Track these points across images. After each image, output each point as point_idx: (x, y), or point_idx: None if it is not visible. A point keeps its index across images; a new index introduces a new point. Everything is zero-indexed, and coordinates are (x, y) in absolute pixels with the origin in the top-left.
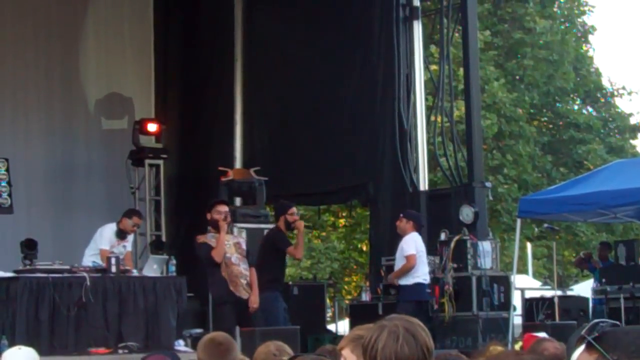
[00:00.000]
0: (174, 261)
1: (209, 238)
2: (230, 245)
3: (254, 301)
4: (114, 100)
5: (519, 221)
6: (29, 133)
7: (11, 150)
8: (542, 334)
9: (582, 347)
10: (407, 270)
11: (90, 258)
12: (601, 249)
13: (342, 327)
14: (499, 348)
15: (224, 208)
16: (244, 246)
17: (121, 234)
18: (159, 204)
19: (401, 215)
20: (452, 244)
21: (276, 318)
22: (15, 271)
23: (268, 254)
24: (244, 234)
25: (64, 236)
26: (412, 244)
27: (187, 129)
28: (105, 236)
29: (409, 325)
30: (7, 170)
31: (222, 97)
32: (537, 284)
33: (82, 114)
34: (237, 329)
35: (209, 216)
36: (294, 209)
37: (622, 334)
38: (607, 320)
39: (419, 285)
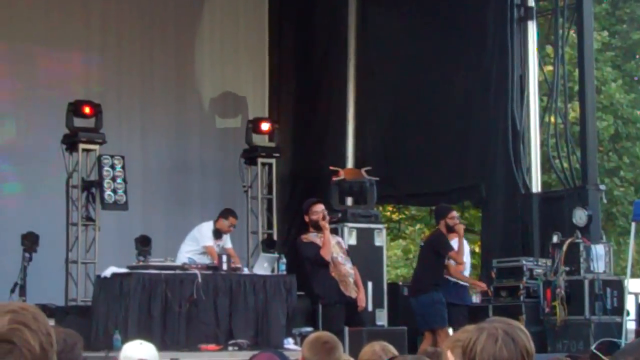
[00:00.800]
0: (284, 260)
1: (313, 237)
2: (333, 244)
3: (362, 299)
4: (228, 99)
5: (633, 224)
6: (145, 131)
7: (127, 148)
8: None
9: None
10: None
11: (186, 254)
12: None
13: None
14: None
15: (320, 207)
16: (344, 245)
17: (217, 234)
18: (270, 202)
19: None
20: (565, 247)
21: (436, 320)
22: (129, 267)
23: (429, 257)
24: (354, 234)
25: (178, 233)
26: None
27: (300, 128)
28: (205, 233)
29: (508, 328)
30: (123, 167)
31: (335, 97)
32: None
33: (197, 113)
34: (346, 329)
35: (306, 218)
36: (454, 213)
37: (627, 345)
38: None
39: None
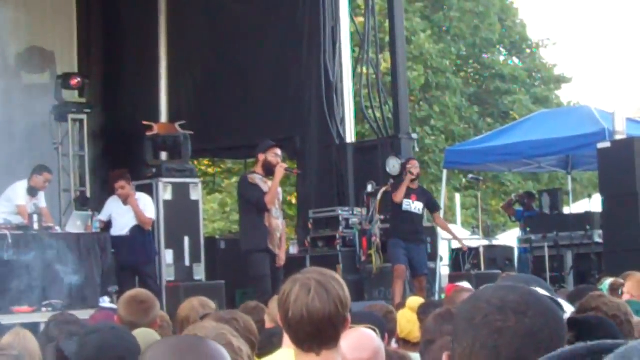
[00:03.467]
0: (97, 217)
1: (258, 180)
2: None
3: (282, 258)
4: (35, 54)
5: (445, 172)
6: None
7: None
8: (465, 284)
9: None
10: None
11: (1, 215)
12: (525, 198)
13: None
14: (419, 299)
15: (279, 151)
16: (280, 197)
17: (32, 191)
18: (83, 159)
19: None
20: (379, 196)
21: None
22: None
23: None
24: (169, 189)
25: None
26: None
27: (112, 83)
28: (19, 193)
29: (322, 278)
30: None
31: (147, 51)
32: (467, 233)
33: (2, 68)
34: (164, 284)
35: (261, 157)
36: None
37: None
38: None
39: None
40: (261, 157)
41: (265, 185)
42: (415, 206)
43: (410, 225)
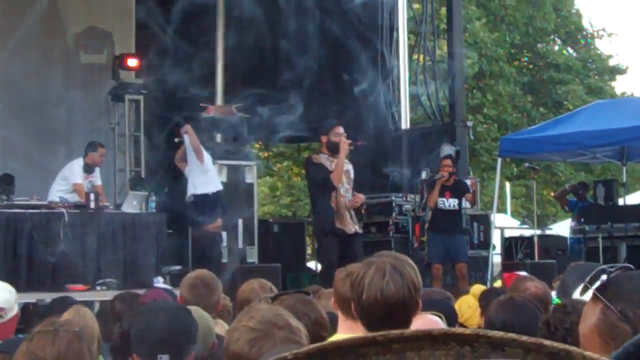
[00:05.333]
0: (153, 197)
1: (324, 160)
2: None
3: (361, 198)
4: (93, 34)
5: (499, 160)
6: (6, 67)
7: None
8: (523, 273)
9: (580, 288)
10: None
11: (57, 194)
12: (579, 189)
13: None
14: (482, 287)
15: (342, 129)
16: (352, 175)
17: (88, 168)
18: (138, 139)
19: None
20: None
21: None
22: None
23: None
24: (224, 171)
25: (42, 172)
26: None
27: (168, 64)
28: (76, 171)
29: (396, 263)
30: None
31: (205, 32)
32: (516, 223)
33: (61, 48)
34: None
35: (324, 139)
36: None
37: (626, 282)
38: (614, 265)
39: None
40: (324, 138)
41: (332, 164)
42: (449, 203)
43: (446, 220)
